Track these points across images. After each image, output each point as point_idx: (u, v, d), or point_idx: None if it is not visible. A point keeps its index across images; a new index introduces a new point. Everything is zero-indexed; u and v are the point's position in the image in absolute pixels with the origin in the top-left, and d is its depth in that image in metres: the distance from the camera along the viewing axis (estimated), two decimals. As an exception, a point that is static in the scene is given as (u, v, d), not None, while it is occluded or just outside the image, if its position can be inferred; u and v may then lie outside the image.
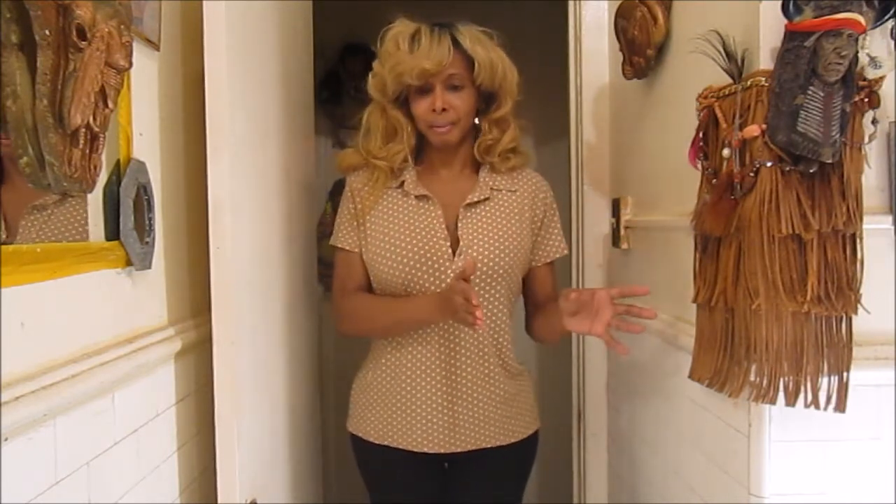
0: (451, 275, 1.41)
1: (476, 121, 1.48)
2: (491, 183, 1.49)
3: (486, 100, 1.48)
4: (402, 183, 1.48)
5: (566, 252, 1.59)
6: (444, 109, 1.41)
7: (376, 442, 1.50)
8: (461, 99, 1.42)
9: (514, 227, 1.48)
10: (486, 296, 1.45)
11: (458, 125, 1.44)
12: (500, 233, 1.45)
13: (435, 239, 1.43)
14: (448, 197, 1.48)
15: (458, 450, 1.47)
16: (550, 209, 1.55)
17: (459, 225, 1.45)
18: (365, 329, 1.52)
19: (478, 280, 1.42)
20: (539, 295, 1.56)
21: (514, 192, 1.51)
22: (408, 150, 1.48)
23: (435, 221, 1.45)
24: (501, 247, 1.44)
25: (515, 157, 1.51)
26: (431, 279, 1.42)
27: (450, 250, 1.43)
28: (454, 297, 1.27)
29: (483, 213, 1.47)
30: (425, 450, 1.46)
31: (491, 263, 1.43)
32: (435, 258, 1.42)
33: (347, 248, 1.51)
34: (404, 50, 1.39)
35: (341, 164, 1.55)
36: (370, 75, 1.48)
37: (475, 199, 1.47)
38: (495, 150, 1.48)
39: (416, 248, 1.42)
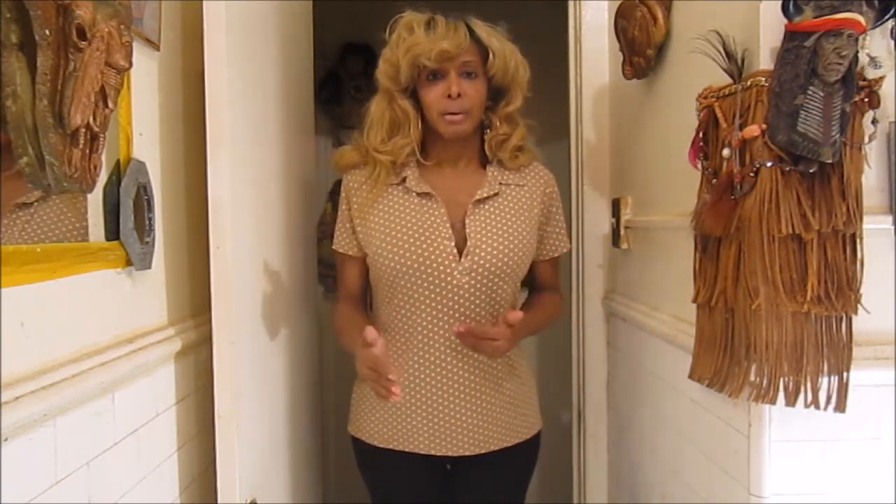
0: (458, 276, 1.38)
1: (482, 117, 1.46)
2: (500, 178, 1.47)
3: (494, 96, 1.45)
4: (404, 179, 1.44)
5: (568, 248, 1.58)
6: (458, 95, 1.37)
7: (379, 445, 1.48)
8: (474, 88, 1.39)
9: (523, 223, 1.45)
10: (493, 294, 1.42)
11: (471, 115, 1.41)
12: (509, 231, 1.42)
13: (439, 239, 1.39)
14: (452, 194, 1.44)
15: (464, 453, 1.44)
16: (556, 203, 1.54)
17: (467, 222, 1.41)
18: (338, 341, 1.50)
19: (484, 280, 1.40)
20: (540, 286, 1.57)
21: (523, 186, 1.48)
22: (414, 143, 1.43)
23: (438, 220, 1.41)
24: (511, 246, 1.41)
25: (524, 156, 1.49)
26: (437, 281, 1.39)
27: (455, 250, 1.39)
28: (360, 367, 1.23)
29: (492, 210, 1.44)
30: (430, 452, 1.44)
31: (499, 263, 1.40)
32: (440, 260, 1.38)
33: (340, 250, 1.50)
34: (420, 33, 1.36)
35: (338, 163, 1.51)
36: (380, 61, 1.44)
37: (485, 195, 1.43)
38: (507, 145, 1.46)
39: (419, 250, 1.38)
